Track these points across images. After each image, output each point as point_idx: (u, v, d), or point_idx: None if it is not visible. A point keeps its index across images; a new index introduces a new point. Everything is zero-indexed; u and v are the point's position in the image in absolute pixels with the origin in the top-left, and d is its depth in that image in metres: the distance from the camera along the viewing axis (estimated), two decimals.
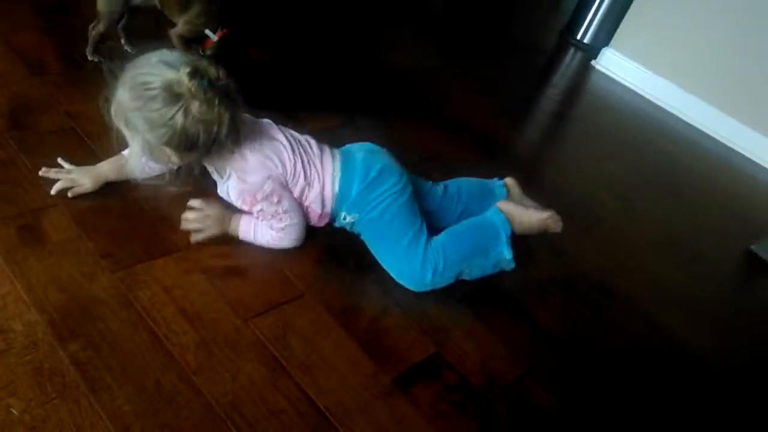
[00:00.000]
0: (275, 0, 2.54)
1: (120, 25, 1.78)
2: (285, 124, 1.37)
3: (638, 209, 2.02)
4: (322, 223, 1.41)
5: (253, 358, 1.12)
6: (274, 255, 1.34)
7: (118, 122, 1.18)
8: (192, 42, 1.73)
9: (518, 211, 1.45)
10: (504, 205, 1.46)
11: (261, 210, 1.30)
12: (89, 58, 1.73)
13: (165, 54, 1.16)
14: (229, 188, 1.32)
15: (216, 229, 1.30)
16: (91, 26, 1.70)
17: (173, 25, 1.73)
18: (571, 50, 3.15)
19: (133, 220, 1.31)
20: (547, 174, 2.07)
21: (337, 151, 1.40)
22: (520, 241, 1.45)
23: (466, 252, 1.38)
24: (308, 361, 1.15)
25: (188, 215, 1.29)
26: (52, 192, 1.29)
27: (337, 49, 2.38)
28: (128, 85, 1.14)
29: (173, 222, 1.32)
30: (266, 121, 1.36)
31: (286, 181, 1.30)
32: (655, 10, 2.77)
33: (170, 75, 1.12)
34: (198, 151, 1.19)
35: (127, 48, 1.82)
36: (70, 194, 1.30)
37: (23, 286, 1.10)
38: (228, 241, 1.33)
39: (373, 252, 1.39)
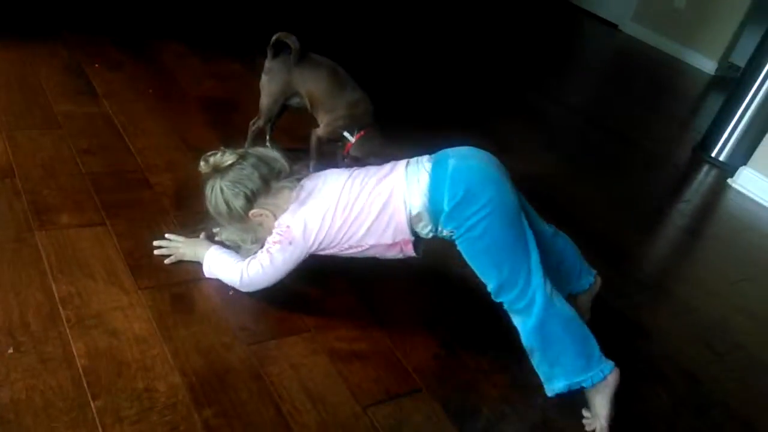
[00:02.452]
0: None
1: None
2: None
3: None
4: (404, 252, 1.37)
5: None
6: (394, 343, 1.38)
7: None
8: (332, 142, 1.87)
9: None
10: None
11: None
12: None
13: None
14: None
15: (186, 252, 1.45)
16: (251, 122, 1.92)
17: (316, 125, 1.90)
18: (706, 167, 3.05)
19: (271, 298, 1.41)
20: (679, 293, 1.97)
21: (427, 163, 1.33)
22: (649, 363, 1.39)
23: (572, 336, 1.26)
24: None
25: (160, 242, 1.46)
26: (166, 261, 1.43)
27: None
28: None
29: (307, 303, 1.41)
30: (331, 171, 1.43)
31: (313, 245, 1.35)
32: None
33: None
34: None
35: (268, 143, 1.98)
36: (166, 261, 1.43)
37: (170, 350, 1.21)
38: (354, 325, 1.39)
39: (478, 274, 1.31)
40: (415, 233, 1.34)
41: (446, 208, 1.27)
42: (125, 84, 2.16)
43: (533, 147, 2.75)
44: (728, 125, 3.03)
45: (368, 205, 1.31)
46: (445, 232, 1.31)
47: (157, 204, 1.61)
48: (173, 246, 1.46)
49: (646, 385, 1.47)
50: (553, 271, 1.33)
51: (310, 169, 1.88)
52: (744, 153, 2.91)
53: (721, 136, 3.05)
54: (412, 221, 1.31)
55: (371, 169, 1.38)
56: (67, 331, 1.19)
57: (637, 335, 1.64)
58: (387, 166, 1.38)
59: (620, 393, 1.30)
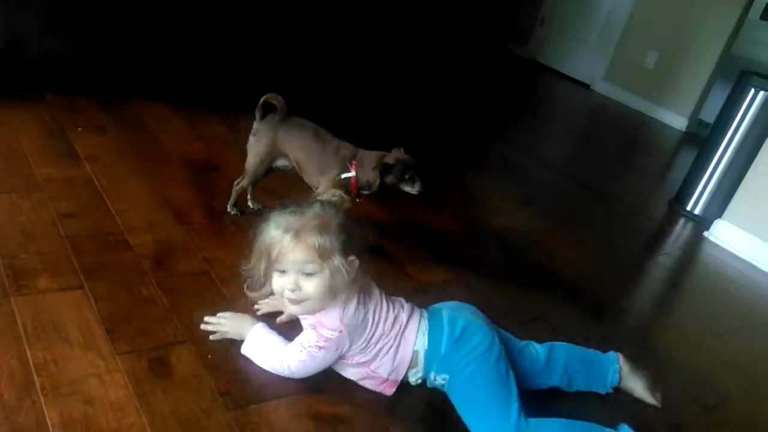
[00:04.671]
0: None
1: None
2: (396, 276, 1.45)
3: (767, 391, 1.86)
4: (388, 391, 1.38)
5: None
6: (380, 407, 1.35)
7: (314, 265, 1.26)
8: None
9: None
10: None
11: (307, 333, 1.32)
12: (228, 210, 1.94)
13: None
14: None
15: (229, 329, 1.41)
16: (235, 182, 1.93)
17: (303, 185, 1.91)
18: (682, 220, 3.11)
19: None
20: (663, 347, 1.98)
21: (424, 311, 1.43)
22: (636, 419, 1.37)
23: None
24: None
25: (209, 319, 1.43)
26: (210, 337, 1.41)
27: (449, 212, 2.50)
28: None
29: None
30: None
31: (350, 345, 1.33)
32: None
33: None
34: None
35: (250, 203, 2.00)
36: (211, 337, 1.41)
37: (147, 418, 1.17)
38: (336, 388, 1.36)
39: (461, 415, 1.35)
40: (405, 376, 1.39)
41: (444, 348, 1.35)
42: (108, 147, 2.17)
43: (511, 202, 2.79)
44: (701, 179, 3.11)
45: (392, 338, 1.36)
46: (438, 380, 1.38)
47: (137, 266, 1.59)
48: (218, 323, 1.43)
49: None
50: (573, 385, 1.51)
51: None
52: (718, 206, 2.98)
53: (695, 190, 3.13)
54: (410, 363, 1.37)
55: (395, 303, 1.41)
56: (41, 399, 1.15)
57: (623, 390, 1.63)
58: (406, 306, 1.41)
59: None
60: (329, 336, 1.30)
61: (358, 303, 1.32)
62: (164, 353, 1.34)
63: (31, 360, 1.23)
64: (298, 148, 1.87)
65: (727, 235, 2.86)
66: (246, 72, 2.87)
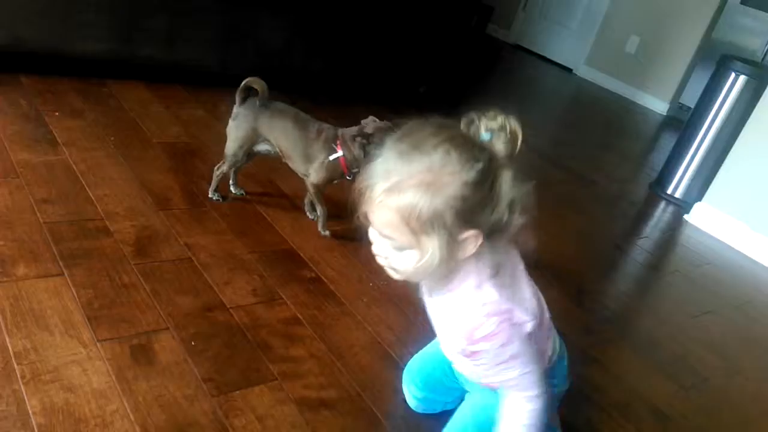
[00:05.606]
0: None
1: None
2: None
3: (745, 371, 1.89)
4: None
5: None
6: (364, 390, 1.35)
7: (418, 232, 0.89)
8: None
9: None
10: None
11: (481, 359, 1.02)
12: (209, 196, 1.92)
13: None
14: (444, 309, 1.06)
15: None
16: (215, 167, 1.91)
17: (286, 170, 1.90)
18: (662, 203, 3.15)
19: (236, 347, 1.38)
20: (643, 328, 2.00)
21: None
22: (617, 400, 1.39)
23: None
24: None
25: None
26: None
27: None
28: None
29: (272, 351, 1.38)
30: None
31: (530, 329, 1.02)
32: (749, 165, 2.76)
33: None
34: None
35: (232, 188, 1.99)
36: None
37: (130, 405, 1.17)
38: (321, 372, 1.36)
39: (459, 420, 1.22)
40: None
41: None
42: (86, 132, 2.13)
43: None
44: (682, 163, 3.14)
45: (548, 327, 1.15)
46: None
47: (118, 252, 1.57)
48: None
49: (615, 423, 1.47)
50: None
51: (323, 219, 1.89)
52: (698, 189, 3.02)
53: (676, 173, 3.16)
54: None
55: None
56: (22, 387, 1.14)
57: (603, 372, 1.65)
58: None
59: (592, 431, 1.29)
60: (499, 321, 0.97)
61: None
62: (146, 340, 1.33)
63: (10, 348, 1.21)
64: (281, 135, 1.85)
65: (706, 218, 2.90)
66: (228, 54, 2.83)
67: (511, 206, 0.91)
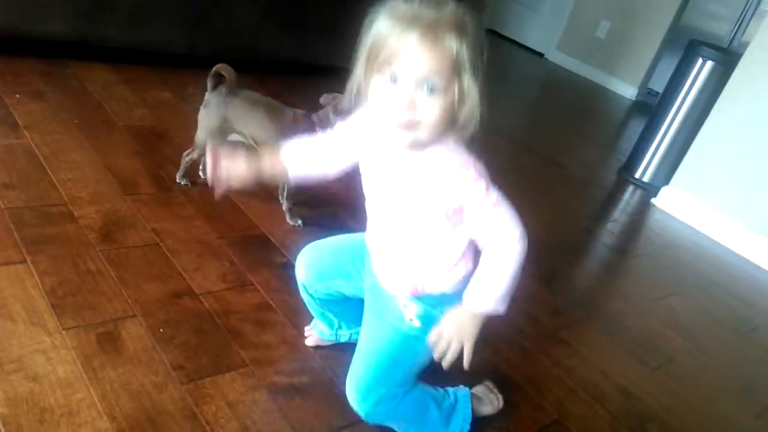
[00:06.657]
0: None
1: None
2: None
3: (708, 350, 1.94)
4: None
5: None
6: (335, 375, 1.35)
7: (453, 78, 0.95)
8: None
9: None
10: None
11: (468, 213, 1.07)
12: (177, 181, 1.88)
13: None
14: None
15: (462, 336, 1.06)
16: (185, 153, 1.87)
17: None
18: (630, 188, 3.20)
19: (206, 334, 1.36)
20: (610, 310, 2.04)
21: None
22: (585, 380, 1.42)
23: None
24: None
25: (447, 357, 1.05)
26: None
27: None
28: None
29: (243, 337, 1.37)
30: None
31: None
32: (715, 150, 2.82)
33: None
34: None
35: (201, 173, 1.93)
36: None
37: (97, 393, 1.14)
38: (292, 358, 1.36)
39: (363, 354, 1.17)
40: None
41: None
42: (49, 114, 2.07)
43: None
44: (650, 148, 3.19)
45: None
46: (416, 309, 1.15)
47: (82, 238, 1.54)
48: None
49: (583, 403, 1.50)
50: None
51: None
52: (665, 174, 3.07)
53: (644, 158, 3.21)
54: None
55: None
56: None
57: (572, 353, 1.68)
58: None
59: (561, 410, 1.31)
60: (481, 176, 1.05)
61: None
62: (113, 328, 1.30)
63: None
64: (254, 127, 1.79)
65: (672, 202, 2.95)
66: (196, 35, 2.77)
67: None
